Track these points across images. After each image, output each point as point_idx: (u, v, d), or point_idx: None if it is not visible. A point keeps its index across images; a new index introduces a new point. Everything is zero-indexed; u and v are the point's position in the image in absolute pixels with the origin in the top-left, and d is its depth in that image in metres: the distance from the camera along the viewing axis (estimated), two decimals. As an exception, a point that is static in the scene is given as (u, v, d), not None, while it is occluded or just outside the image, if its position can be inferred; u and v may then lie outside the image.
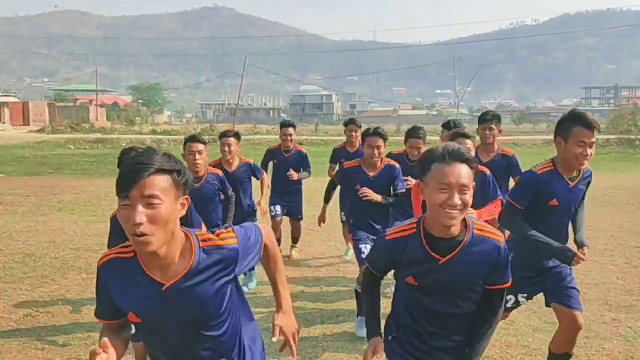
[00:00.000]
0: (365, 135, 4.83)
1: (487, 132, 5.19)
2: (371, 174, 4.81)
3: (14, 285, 5.96)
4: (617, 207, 11.13)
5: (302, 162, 6.94)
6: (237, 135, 5.81)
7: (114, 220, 3.28)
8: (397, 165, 4.94)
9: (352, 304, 5.18)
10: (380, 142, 4.73)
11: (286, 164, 6.80)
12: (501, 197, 4.25)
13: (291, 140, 6.83)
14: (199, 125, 65.73)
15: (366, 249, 4.55)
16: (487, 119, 5.23)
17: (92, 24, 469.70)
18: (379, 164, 4.84)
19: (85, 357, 4.23)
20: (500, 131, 5.25)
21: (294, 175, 6.66)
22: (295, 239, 7.35)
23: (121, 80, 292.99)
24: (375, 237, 4.50)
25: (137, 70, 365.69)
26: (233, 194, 5.26)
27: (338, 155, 6.92)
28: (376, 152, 4.72)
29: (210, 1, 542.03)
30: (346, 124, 6.93)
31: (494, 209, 4.11)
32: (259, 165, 6.34)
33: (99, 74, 75.96)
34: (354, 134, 6.74)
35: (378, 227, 4.80)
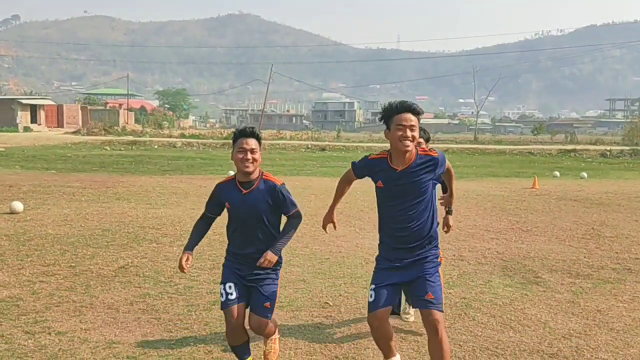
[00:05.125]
0: None
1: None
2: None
3: (102, 250, 7.61)
4: (606, 207, 12.47)
5: (276, 204, 3.76)
6: None
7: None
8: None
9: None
10: None
11: (246, 206, 3.73)
12: None
13: (253, 160, 3.68)
14: (224, 130, 67.98)
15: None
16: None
17: (119, 29, 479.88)
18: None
19: (168, 294, 5.84)
20: None
21: (268, 260, 3.70)
22: (266, 335, 3.95)
23: (147, 85, 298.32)
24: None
25: (162, 75, 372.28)
26: None
27: (374, 168, 3.75)
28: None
29: (235, 8, 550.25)
30: (395, 113, 3.61)
31: None
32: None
33: (125, 78, 78.68)
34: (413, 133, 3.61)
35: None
